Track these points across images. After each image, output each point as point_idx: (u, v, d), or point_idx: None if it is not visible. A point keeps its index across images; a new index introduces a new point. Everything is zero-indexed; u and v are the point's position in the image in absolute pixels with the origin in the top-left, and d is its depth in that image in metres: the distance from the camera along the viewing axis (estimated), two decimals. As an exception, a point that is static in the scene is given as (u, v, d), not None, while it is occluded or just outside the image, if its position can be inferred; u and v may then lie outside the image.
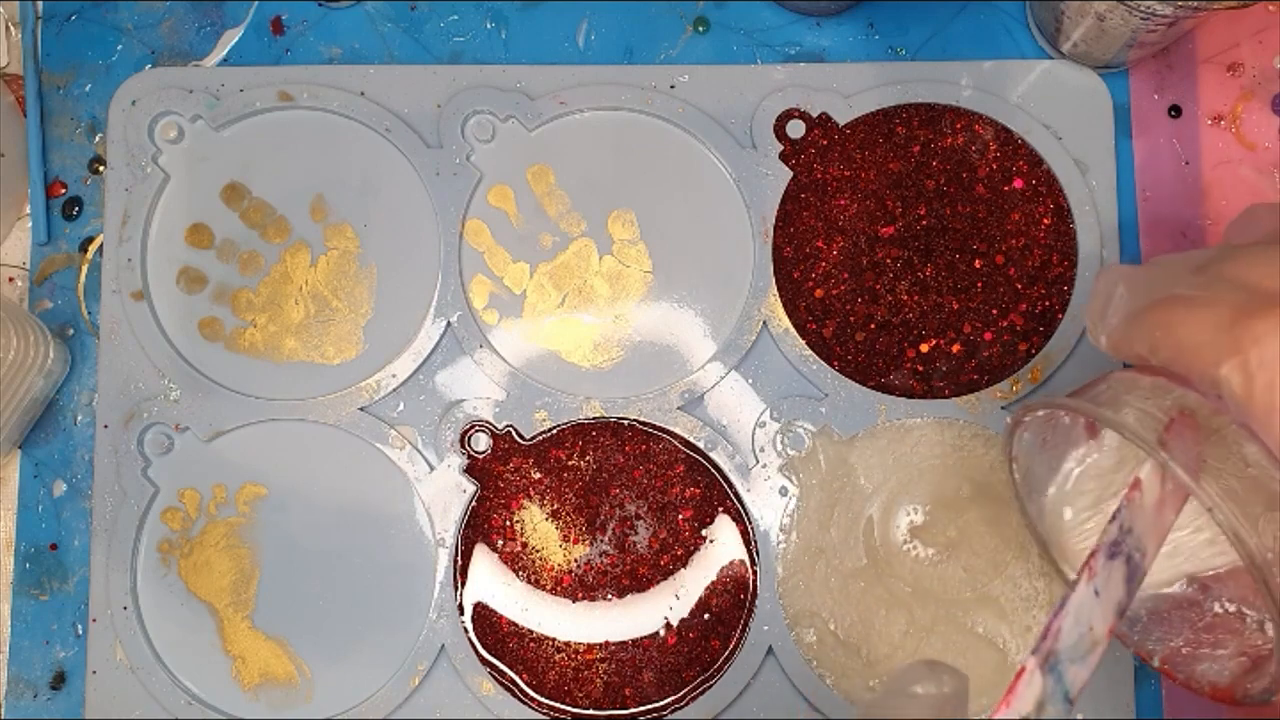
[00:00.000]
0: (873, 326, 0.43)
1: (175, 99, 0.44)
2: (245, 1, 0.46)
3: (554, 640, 0.42)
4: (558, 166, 0.44)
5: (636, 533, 0.42)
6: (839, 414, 0.42)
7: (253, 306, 0.44)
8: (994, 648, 0.41)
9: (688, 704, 0.41)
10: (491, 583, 0.42)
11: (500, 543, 0.42)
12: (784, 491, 0.42)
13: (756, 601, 0.42)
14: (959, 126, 0.44)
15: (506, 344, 0.43)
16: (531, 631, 0.42)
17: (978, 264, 0.43)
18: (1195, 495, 0.28)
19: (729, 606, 0.42)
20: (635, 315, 0.43)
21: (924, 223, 0.43)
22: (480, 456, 0.43)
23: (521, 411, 0.43)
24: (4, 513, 0.44)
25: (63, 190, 0.46)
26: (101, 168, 0.46)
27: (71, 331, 0.45)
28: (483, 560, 0.42)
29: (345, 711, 0.42)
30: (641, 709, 0.41)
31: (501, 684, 0.41)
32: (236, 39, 0.46)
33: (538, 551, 0.42)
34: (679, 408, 0.43)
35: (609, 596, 0.42)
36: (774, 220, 0.43)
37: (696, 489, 0.42)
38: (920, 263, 0.43)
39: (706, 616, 0.42)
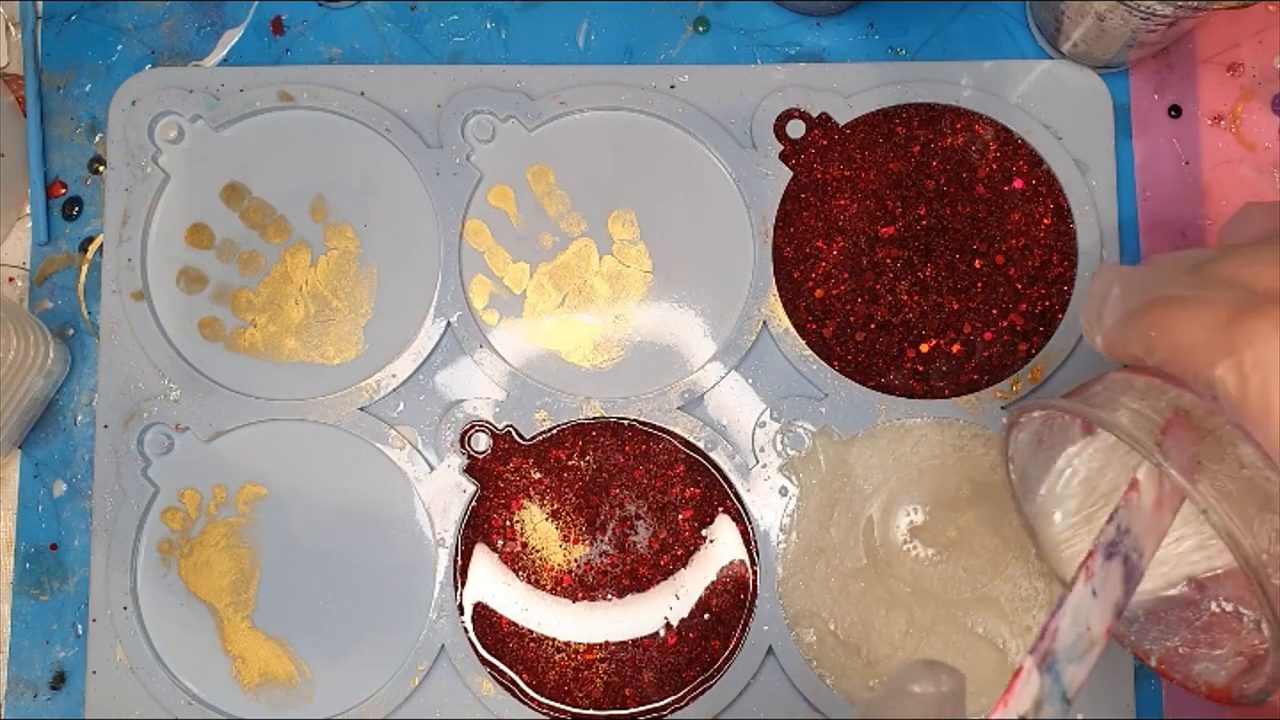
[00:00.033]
0: (873, 326, 0.43)
1: (175, 99, 0.44)
2: (245, 1, 0.46)
3: (554, 640, 0.42)
4: (558, 166, 0.44)
5: (636, 533, 0.42)
6: (839, 414, 0.42)
7: (253, 306, 0.44)
8: (994, 648, 0.41)
9: (688, 704, 0.41)
10: (491, 583, 0.42)
11: (500, 543, 0.42)
12: (784, 491, 0.42)
13: (756, 601, 0.42)
14: (959, 126, 0.44)
15: (506, 344, 0.43)
16: (531, 631, 0.42)
17: (978, 264, 0.43)
18: (1190, 497, 0.28)
19: (729, 606, 0.42)
20: (635, 315, 0.43)
21: (924, 223, 0.43)
22: (480, 456, 0.43)
23: (521, 411, 0.43)
24: (4, 513, 0.44)
25: (63, 190, 0.46)
26: (101, 168, 0.46)
27: (71, 331, 0.45)
28: (483, 560, 0.42)
29: (345, 711, 0.42)
30: (641, 709, 0.41)
31: (501, 684, 0.41)
32: (236, 39, 0.46)
33: (538, 551, 0.42)
34: (679, 408, 0.43)
35: (609, 596, 0.42)
36: (774, 220, 0.43)
37: (696, 489, 0.42)
38: (920, 263, 0.43)
39: (706, 616, 0.42)
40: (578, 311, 0.43)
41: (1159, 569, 0.34)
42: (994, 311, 0.43)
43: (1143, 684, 0.41)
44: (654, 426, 0.43)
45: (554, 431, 0.43)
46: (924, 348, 0.43)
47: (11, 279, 0.46)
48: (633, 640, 0.42)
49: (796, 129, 0.44)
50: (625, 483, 0.42)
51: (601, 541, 0.42)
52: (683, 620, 0.42)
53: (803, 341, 0.43)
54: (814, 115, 0.44)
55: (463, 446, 0.43)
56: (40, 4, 0.47)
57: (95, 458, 0.43)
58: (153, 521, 0.43)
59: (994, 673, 0.41)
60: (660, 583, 0.42)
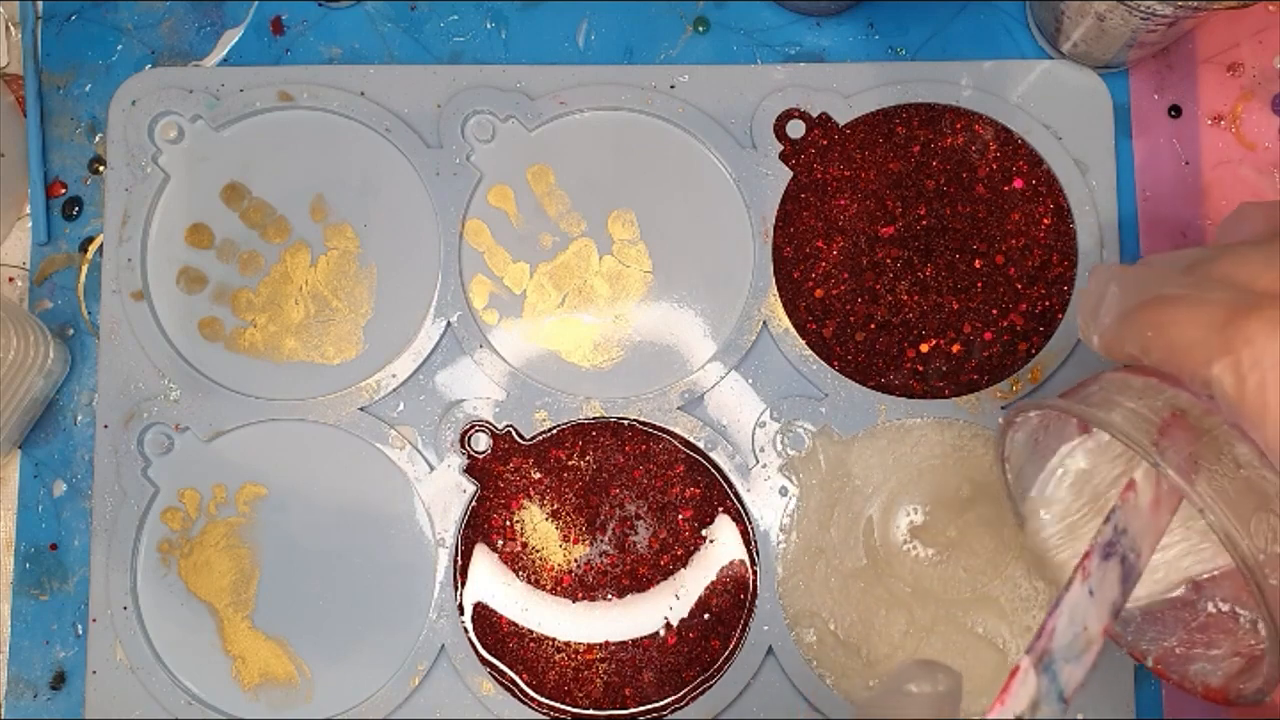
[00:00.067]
0: (873, 326, 0.43)
1: (175, 99, 0.44)
2: (245, 1, 0.46)
3: (554, 640, 0.42)
4: (558, 166, 0.44)
5: (636, 533, 0.42)
6: (839, 414, 0.42)
7: (253, 306, 0.44)
8: (994, 648, 0.41)
9: (688, 704, 0.41)
10: (491, 583, 0.42)
11: (500, 543, 0.42)
12: (784, 491, 0.42)
13: (756, 601, 0.42)
14: (959, 126, 0.44)
15: (506, 344, 0.43)
16: (531, 631, 0.42)
17: (978, 264, 0.43)
18: (1187, 497, 0.28)
19: (729, 606, 0.42)
20: (635, 315, 0.43)
21: (924, 223, 0.43)
22: (480, 456, 0.43)
23: (521, 411, 0.43)
24: (4, 513, 0.44)
25: (63, 190, 0.46)
26: (101, 168, 0.46)
27: (71, 331, 0.45)
28: (483, 560, 0.42)
29: (345, 711, 0.42)
30: (641, 709, 0.41)
31: (501, 684, 0.41)
32: (236, 39, 0.46)
33: (538, 551, 0.42)
34: (679, 408, 0.43)
35: (609, 596, 0.42)
36: (774, 220, 0.43)
37: (696, 489, 0.42)
38: (920, 263, 0.43)
39: (706, 616, 0.42)
40: (578, 311, 0.43)
41: (1151, 575, 0.34)
42: (994, 311, 0.43)
43: (1143, 684, 0.41)
44: (654, 426, 0.43)
45: (554, 431, 0.43)
46: (924, 348, 0.43)
47: (11, 279, 0.46)
48: (633, 640, 0.42)
49: (796, 129, 0.44)
50: (625, 483, 0.42)
51: (601, 541, 0.42)
52: (683, 620, 0.42)
53: (803, 341, 0.43)
54: (814, 115, 0.44)
55: (463, 446, 0.43)
56: (40, 4, 0.47)
57: (95, 458, 0.43)
58: (153, 521, 0.43)
59: (994, 673, 0.41)
60: (660, 583, 0.42)
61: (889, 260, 0.43)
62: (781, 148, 0.44)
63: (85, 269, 0.45)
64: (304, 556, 0.43)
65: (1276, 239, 0.30)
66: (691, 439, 0.42)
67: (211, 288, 0.44)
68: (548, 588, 0.42)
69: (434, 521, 0.42)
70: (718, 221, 0.44)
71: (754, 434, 0.43)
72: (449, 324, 0.43)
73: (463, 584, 0.42)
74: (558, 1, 0.46)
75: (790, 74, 0.44)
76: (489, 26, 0.46)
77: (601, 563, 0.42)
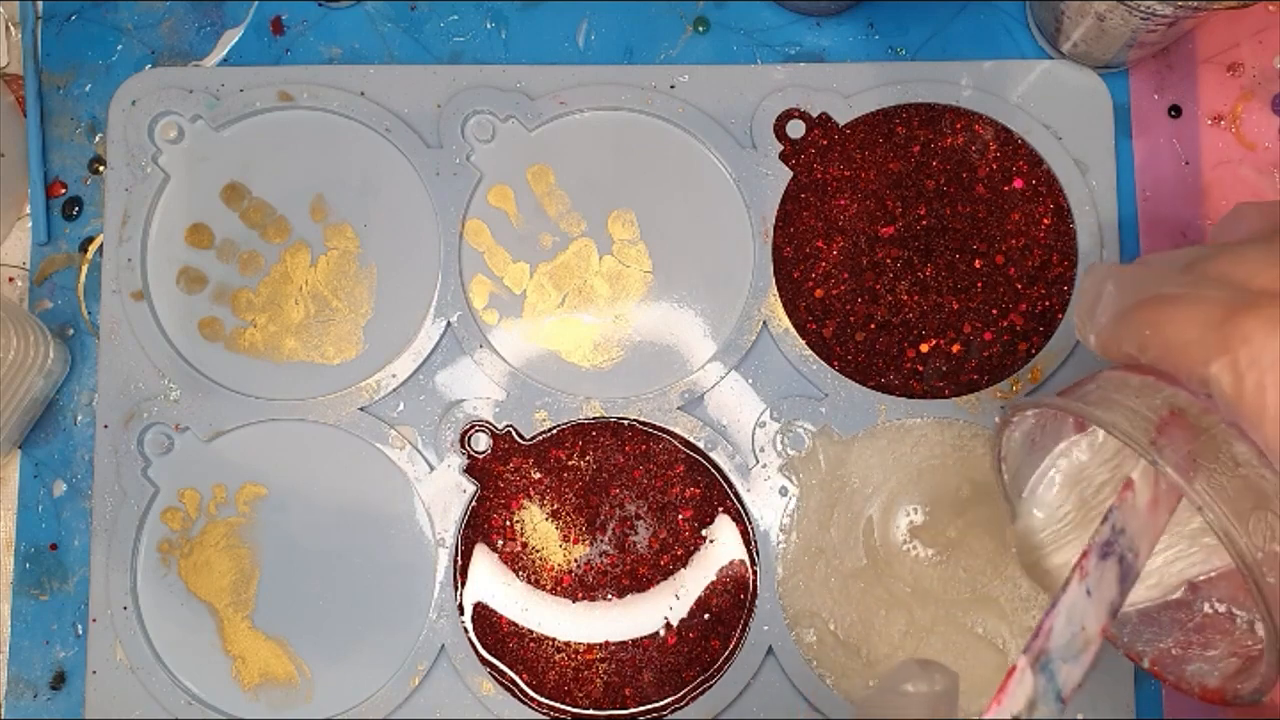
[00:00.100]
0: (873, 326, 0.43)
1: (175, 99, 0.44)
2: (245, 1, 0.46)
3: (554, 640, 0.42)
4: (558, 166, 0.44)
5: (636, 533, 0.42)
6: (839, 414, 0.42)
7: (253, 306, 0.44)
8: (994, 648, 0.41)
9: (688, 704, 0.41)
10: (491, 583, 0.42)
11: (500, 543, 0.42)
12: (784, 491, 0.42)
13: (756, 601, 0.42)
14: (959, 126, 0.44)
15: (506, 344, 0.43)
16: (531, 631, 0.42)
17: (978, 264, 0.43)
18: (1186, 495, 0.28)
19: (729, 606, 0.42)
20: (635, 315, 0.43)
21: (924, 223, 0.43)
22: (480, 456, 0.43)
23: (521, 411, 0.43)
24: (4, 513, 0.44)
25: (63, 190, 0.46)
26: (101, 168, 0.46)
27: (71, 331, 0.45)
28: (483, 560, 0.42)
29: (345, 711, 0.42)
30: (641, 709, 0.41)
31: (501, 684, 0.41)
32: (236, 39, 0.46)
33: (538, 551, 0.42)
34: (679, 408, 0.43)
35: (609, 596, 0.42)
36: (774, 220, 0.43)
37: (696, 489, 0.42)
38: (920, 263, 0.43)
39: (706, 616, 0.42)
40: (578, 311, 0.43)
41: (1144, 582, 0.34)
42: (994, 311, 0.43)
43: (1143, 684, 0.41)
44: (654, 426, 0.43)
45: (554, 431, 0.43)
46: (924, 348, 0.43)
47: (11, 279, 0.46)
48: (633, 640, 0.42)
49: (796, 129, 0.44)
50: (625, 483, 0.42)
51: (601, 541, 0.42)
52: (683, 620, 0.42)
53: (803, 341, 0.43)
54: (814, 115, 0.44)
55: (463, 446, 0.43)
56: (40, 4, 0.47)
57: (95, 458, 0.43)
58: (153, 521, 0.43)
59: (994, 673, 0.41)
60: (660, 583, 0.42)
61: (889, 260, 0.43)
62: (781, 148, 0.44)
63: (85, 269, 0.45)
64: (304, 556, 0.43)
65: (1273, 238, 0.30)
66: (691, 439, 0.42)
67: (211, 288, 0.44)
68: (548, 588, 0.42)
69: (434, 521, 0.42)
70: (718, 221, 0.44)
71: (754, 434, 0.43)
72: (449, 324, 0.43)
73: (463, 584, 0.42)
74: (558, 1, 0.46)
75: (790, 74, 0.44)
76: (489, 26, 0.46)
77: (601, 563, 0.42)
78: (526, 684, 0.42)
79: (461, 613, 0.42)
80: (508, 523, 0.42)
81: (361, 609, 0.42)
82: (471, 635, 0.42)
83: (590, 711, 0.41)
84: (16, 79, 0.46)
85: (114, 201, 0.44)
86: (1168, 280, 0.30)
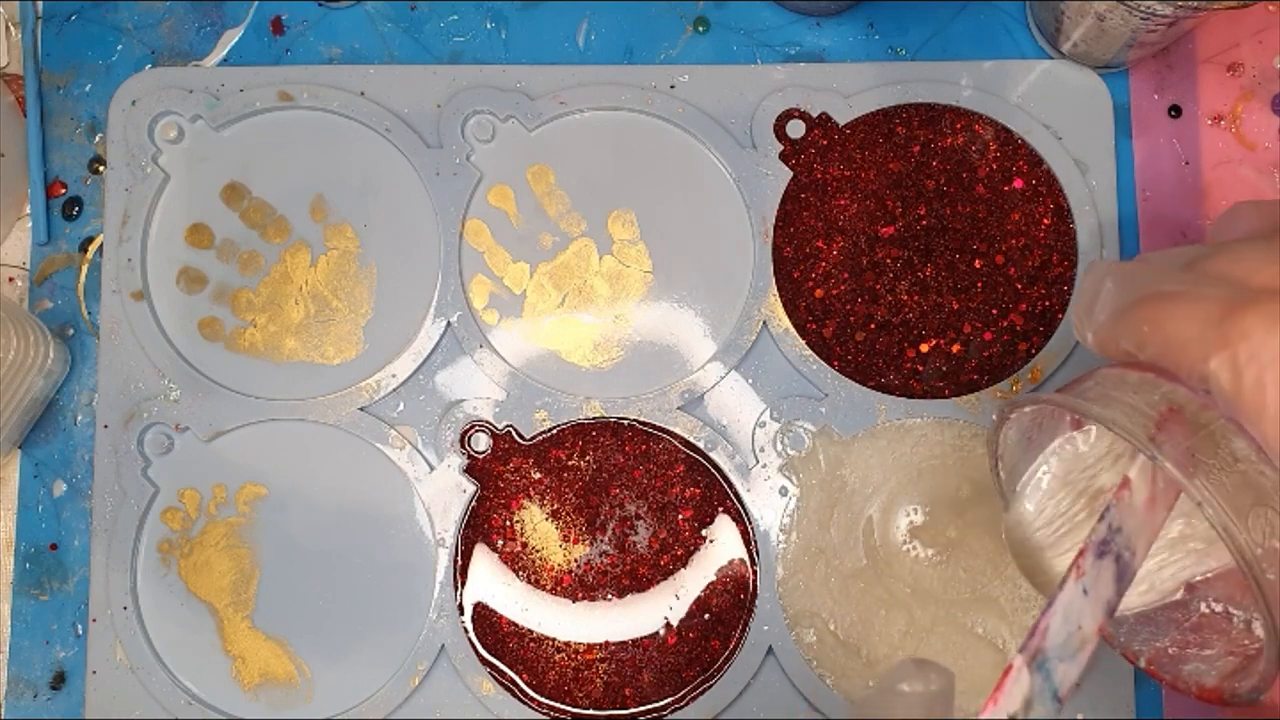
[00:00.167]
0: (873, 326, 0.43)
1: (175, 99, 0.44)
2: (245, 1, 0.46)
3: (554, 640, 0.42)
4: (558, 166, 0.44)
5: (636, 533, 0.42)
6: (839, 414, 0.42)
7: (253, 306, 0.44)
8: (993, 648, 0.41)
9: (688, 704, 0.41)
10: (491, 583, 0.42)
11: (500, 543, 0.42)
12: (784, 491, 0.42)
13: (756, 601, 0.42)
14: (959, 126, 0.44)
15: (506, 344, 0.43)
16: (531, 631, 0.42)
17: (978, 264, 0.43)
18: (1186, 490, 0.28)
19: (729, 606, 0.42)
20: (635, 315, 0.43)
21: (924, 223, 0.43)
22: (480, 456, 0.43)
23: (521, 411, 0.43)
24: (4, 513, 0.44)
25: (63, 190, 0.46)
26: (101, 168, 0.46)
27: (71, 331, 0.45)
28: (483, 560, 0.42)
29: (345, 711, 0.42)
30: (641, 709, 0.41)
31: (501, 684, 0.41)
32: (236, 39, 0.46)
33: (538, 551, 0.42)
34: (679, 408, 0.43)
35: (609, 596, 0.42)
36: (774, 220, 0.43)
37: (696, 489, 0.42)
38: (920, 263, 0.43)
39: (706, 616, 0.42)
40: (578, 311, 0.43)
41: (1136, 588, 0.34)
42: (994, 311, 0.43)
43: (1143, 684, 0.41)
44: (654, 426, 0.43)
45: (554, 431, 0.43)
46: (924, 348, 0.43)
47: (11, 279, 0.46)
48: (633, 640, 0.42)
49: (796, 129, 0.44)
50: (625, 483, 0.42)
51: (601, 541, 0.42)
52: (683, 620, 0.42)
53: (803, 341, 0.43)
54: (814, 115, 0.44)
55: (463, 446, 0.43)
56: (40, 4, 0.47)
57: (95, 458, 0.43)
58: (153, 521, 0.43)
59: (994, 673, 0.41)
60: (660, 583, 0.42)
61: (889, 260, 0.43)
62: (781, 148, 0.44)
63: (85, 269, 0.45)
64: (304, 556, 0.43)
65: (1271, 236, 0.30)
66: (691, 439, 0.42)
67: (211, 288, 0.44)
68: (548, 588, 0.42)
69: (434, 521, 0.42)
70: (718, 221, 0.44)
71: (754, 434, 0.43)
72: (449, 324, 0.43)
73: (463, 584, 0.42)
74: (558, 1, 0.46)
75: (790, 74, 0.44)
76: (489, 26, 0.46)
77: (601, 563, 0.42)
78: (526, 684, 0.42)
79: (461, 613, 0.42)
80: (508, 523, 0.42)
81: (361, 609, 0.42)
82: (471, 635, 0.42)
83: (590, 711, 0.41)
84: (16, 79, 0.46)
85: (114, 201, 0.44)
86: (1167, 278, 0.30)
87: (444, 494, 0.42)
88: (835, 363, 0.43)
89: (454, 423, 0.43)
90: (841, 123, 0.44)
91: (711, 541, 0.42)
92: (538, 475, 0.42)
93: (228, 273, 0.44)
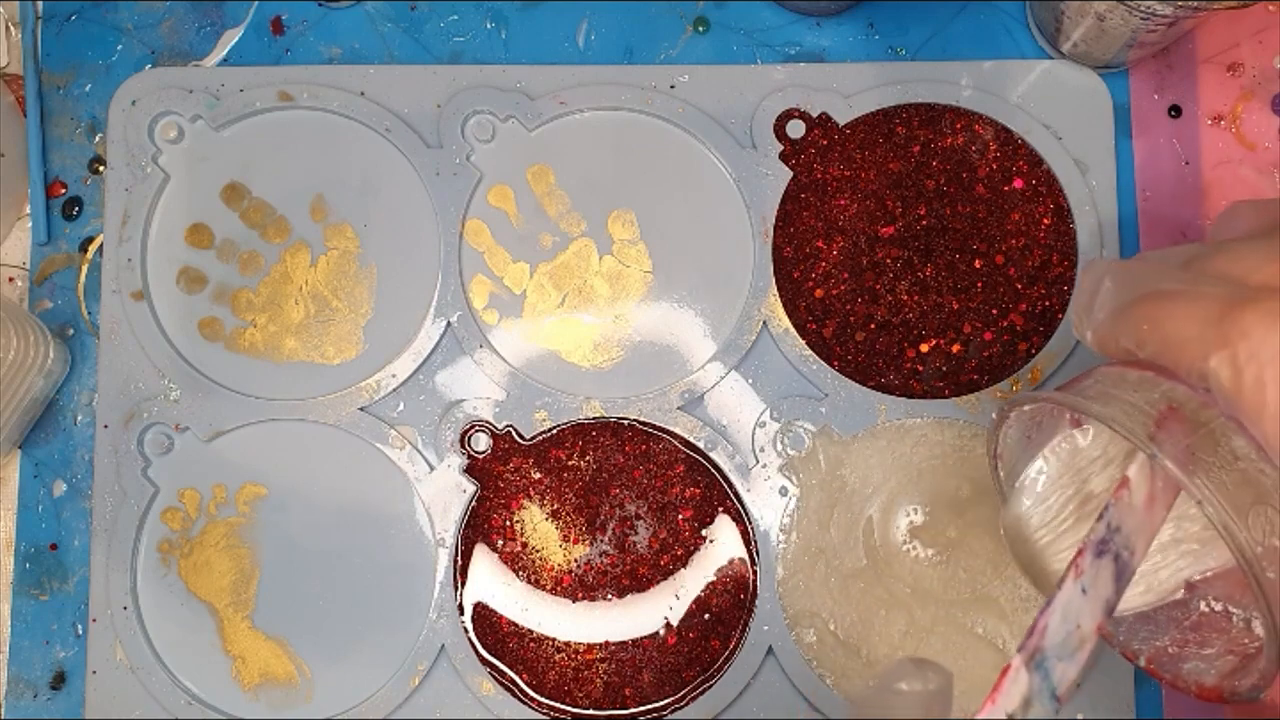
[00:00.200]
0: (873, 326, 0.43)
1: (175, 99, 0.44)
2: (245, 1, 0.46)
3: (554, 640, 0.42)
4: (558, 166, 0.44)
5: (636, 533, 0.42)
6: (839, 414, 0.42)
7: (253, 306, 0.44)
8: (994, 648, 0.41)
9: (688, 704, 0.41)
10: (491, 583, 0.42)
11: (500, 543, 0.42)
12: (784, 491, 0.42)
13: (756, 601, 0.42)
14: (959, 126, 0.44)
15: (506, 344, 0.43)
16: (531, 631, 0.42)
17: (978, 264, 0.43)
18: (1186, 488, 0.28)
19: (729, 606, 0.42)
20: (635, 315, 0.43)
21: (924, 223, 0.43)
22: (480, 456, 0.43)
23: (521, 411, 0.43)
24: (4, 513, 0.44)
25: (63, 190, 0.46)
26: (101, 168, 0.46)
27: (71, 331, 0.45)
28: (483, 560, 0.42)
29: (345, 711, 0.42)
30: (641, 709, 0.41)
31: (501, 684, 0.41)
32: (236, 39, 0.46)
33: (538, 551, 0.42)
34: (679, 408, 0.43)
35: (609, 596, 0.42)
36: (774, 220, 0.43)
37: (696, 489, 0.42)
38: (920, 263, 0.43)
39: (706, 616, 0.42)
40: (578, 311, 0.43)
41: (1132, 589, 0.34)
42: (994, 311, 0.43)
43: (1143, 683, 0.41)
44: (654, 426, 0.43)
45: (554, 431, 0.43)
46: (924, 348, 0.43)
47: (11, 279, 0.46)
48: (633, 640, 0.42)
49: (796, 129, 0.44)
50: (625, 483, 0.42)
51: (601, 541, 0.42)
52: (683, 620, 0.42)
53: (803, 341, 0.43)
54: (814, 115, 0.44)
55: (463, 446, 0.43)
56: (40, 4, 0.47)
57: (95, 458, 0.43)
58: (153, 521, 0.43)
59: (993, 673, 0.40)
60: (660, 583, 0.42)
61: (889, 260, 0.43)
62: (781, 148, 0.44)
63: (85, 269, 0.45)
64: (304, 556, 0.43)
65: (1270, 234, 0.30)
66: (691, 439, 0.42)
67: (211, 288, 0.44)
68: (548, 588, 0.42)
69: (434, 521, 0.42)
70: (718, 221, 0.44)
71: (754, 434, 0.43)
72: (449, 324, 0.43)
73: (463, 584, 0.42)
74: (558, 1, 0.46)
75: (790, 74, 0.44)
76: (489, 26, 0.46)
77: (601, 563, 0.42)
78: (526, 684, 0.42)
79: (461, 613, 0.42)
80: (508, 523, 0.42)
81: (361, 609, 0.42)
82: (471, 635, 0.42)
83: (590, 711, 0.41)
84: (16, 79, 0.46)
85: (114, 201, 0.44)
86: (1166, 276, 0.30)
87: (444, 494, 0.42)
88: (835, 363, 0.43)
89: (454, 423, 0.43)
90: (841, 123, 0.44)
91: (711, 541, 0.42)
92: (538, 475, 0.42)
93: (228, 273, 0.44)
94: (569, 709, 0.41)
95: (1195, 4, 0.37)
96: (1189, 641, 0.33)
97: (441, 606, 0.42)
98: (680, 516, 0.42)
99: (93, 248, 0.45)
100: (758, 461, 0.42)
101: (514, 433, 0.43)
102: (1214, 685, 0.31)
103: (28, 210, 0.46)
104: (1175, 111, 0.45)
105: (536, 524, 0.42)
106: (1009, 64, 0.44)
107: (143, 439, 0.43)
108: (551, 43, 0.46)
